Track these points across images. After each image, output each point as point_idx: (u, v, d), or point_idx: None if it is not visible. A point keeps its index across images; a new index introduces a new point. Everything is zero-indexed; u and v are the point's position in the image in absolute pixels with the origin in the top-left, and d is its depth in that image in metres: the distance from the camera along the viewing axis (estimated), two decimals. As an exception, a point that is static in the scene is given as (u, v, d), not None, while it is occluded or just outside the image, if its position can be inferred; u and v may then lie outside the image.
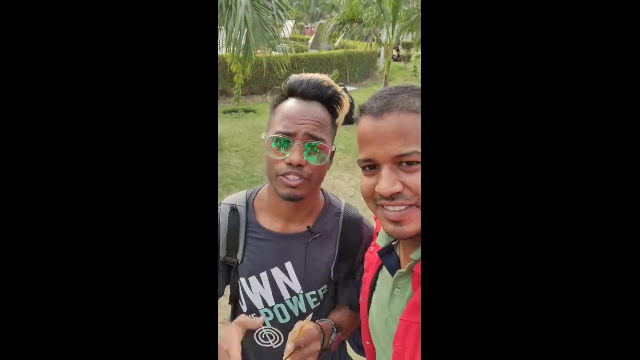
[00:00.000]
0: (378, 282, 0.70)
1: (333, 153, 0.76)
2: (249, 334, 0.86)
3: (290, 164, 0.69)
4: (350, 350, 1.00)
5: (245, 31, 4.17)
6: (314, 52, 11.88)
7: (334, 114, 0.75)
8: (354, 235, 0.82)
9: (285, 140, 0.69)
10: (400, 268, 0.62)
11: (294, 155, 0.68)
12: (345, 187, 3.97)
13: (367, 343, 0.74)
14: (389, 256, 0.66)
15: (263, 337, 0.87)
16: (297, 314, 0.82)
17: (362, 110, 0.57)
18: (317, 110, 0.72)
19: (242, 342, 0.86)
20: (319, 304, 0.84)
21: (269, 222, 0.81)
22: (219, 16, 4.27)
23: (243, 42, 4.25)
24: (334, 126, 0.76)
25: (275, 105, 0.76)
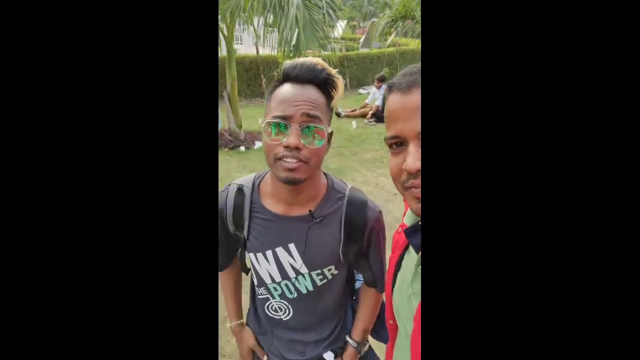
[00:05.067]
0: (403, 263, 0.72)
1: (331, 134, 0.77)
2: (258, 304, 0.95)
3: (287, 147, 0.70)
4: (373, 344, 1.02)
5: (296, 30, 4.27)
6: (365, 50, 11.78)
7: (328, 97, 0.76)
8: (358, 218, 0.83)
9: (281, 124, 0.71)
10: (423, 246, 0.63)
11: (290, 137, 0.69)
12: (389, 185, 3.91)
13: (390, 322, 0.76)
14: (414, 234, 0.66)
15: (273, 309, 0.91)
16: (304, 291, 0.86)
17: (391, 87, 0.56)
18: (311, 92, 0.73)
19: (256, 312, 0.97)
20: (325, 280, 0.86)
21: (271, 204, 0.83)
22: (272, 17, 4.42)
23: (293, 41, 4.36)
24: (330, 109, 0.77)
25: (271, 92, 0.77)
